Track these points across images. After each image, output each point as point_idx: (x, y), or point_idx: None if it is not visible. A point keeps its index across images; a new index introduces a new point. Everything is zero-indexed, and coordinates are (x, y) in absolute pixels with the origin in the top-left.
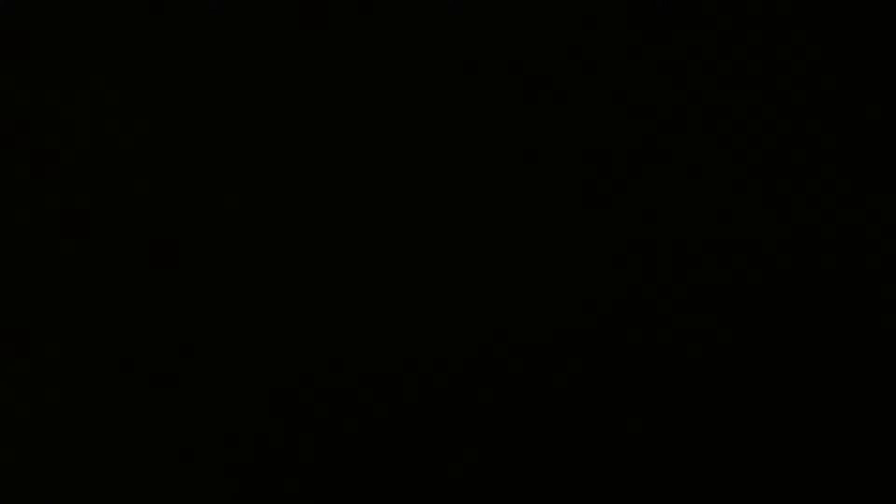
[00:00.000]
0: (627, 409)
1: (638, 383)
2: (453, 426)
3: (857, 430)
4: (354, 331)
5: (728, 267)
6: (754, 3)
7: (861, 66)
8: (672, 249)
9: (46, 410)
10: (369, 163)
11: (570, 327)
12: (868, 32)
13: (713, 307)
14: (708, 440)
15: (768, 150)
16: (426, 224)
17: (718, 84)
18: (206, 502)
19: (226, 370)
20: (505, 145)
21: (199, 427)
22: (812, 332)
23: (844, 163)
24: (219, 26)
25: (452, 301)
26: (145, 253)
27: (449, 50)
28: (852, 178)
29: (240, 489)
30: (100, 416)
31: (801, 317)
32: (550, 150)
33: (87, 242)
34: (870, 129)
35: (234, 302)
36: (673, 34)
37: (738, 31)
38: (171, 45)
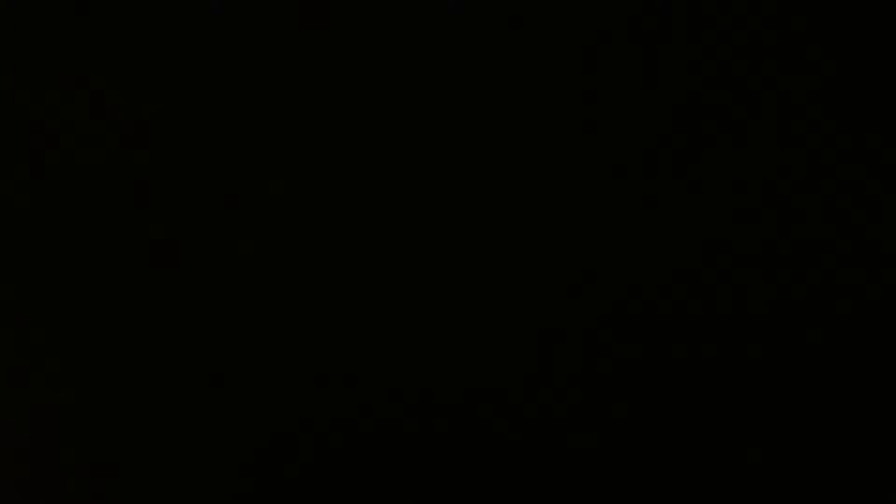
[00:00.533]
0: (632, 410)
1: (641, 385)
2: (456, 434)
3: (857, 431)
4: (360, 335)
5: (729, 267)
6: (754, 3)
7: (864, 64)
8: (673, 250)
9: (49, 413)
10: (367, 165)
11: (572, 329)
12: (871, 30)
13: (715, 308)
14: (712, 443)
15: (770, 150)
16: (423, 224)
17: (718, 84)
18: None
19: (226, 374)
20: (505, 145)
21: (205, 431)
22: (813, 332)
23: (846, 162)
24: (219, 26)
25: (455, 305)
26: (146, 253)
27: (449, 50)
28: (857, 177)
29: (241, 493)
30: (102, 418)
31: (803, 318)
32: (551, 150)
33: (87, 243)
34: (877, 128)
35: (233, 303)
36: (673, 34)
37: (738, 30)
38: (171, 45)
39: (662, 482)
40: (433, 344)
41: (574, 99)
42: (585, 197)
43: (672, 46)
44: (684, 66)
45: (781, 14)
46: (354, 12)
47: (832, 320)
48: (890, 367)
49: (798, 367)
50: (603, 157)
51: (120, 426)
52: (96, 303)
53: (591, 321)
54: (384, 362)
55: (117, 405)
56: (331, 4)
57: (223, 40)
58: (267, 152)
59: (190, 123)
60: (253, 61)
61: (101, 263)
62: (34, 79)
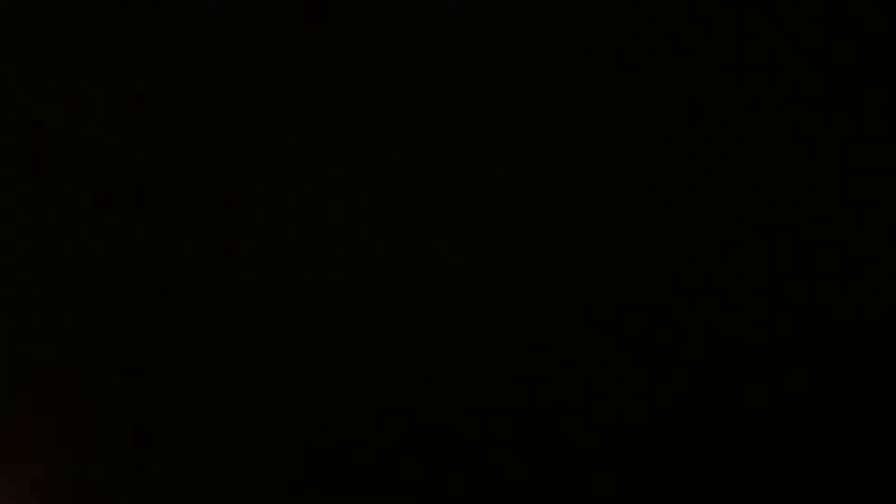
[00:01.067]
0: (643, 408)
1: (640, 385)
2: (461, 443)
3: (857, 431)
4: (359, 335)
5: (729, 267)
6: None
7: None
8: (676, 249)
9: (48, 409)
10: (365, 165)
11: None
12: (871, 29)
13: (717, 307)
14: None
15: (769, 151)
16: (425, 223)
17: (717, 85)
18: None
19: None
20: (503, 145)
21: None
22: (813, 332)
23: (848, 161)
24: (219, 26)
25: (454, 305)
26: (146, 252)
27: (449, 50)
28: (855, 176)
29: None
30: (99, 416)
31: (803, 317)
32: (550, 149)
33: (86, 242)
34: (875, 127)
35: (233, 303)
36: (671, 34)
37: (737, 29)
38: (171, 44)
39: (661, 484)
40: (433, 346)
41: (573, 99)
42: (584, 197)
43: (672, 46)
44: (684, 67)
45: (782, 15)
46: (354, 12)
47: (832, 320)
48: (890, 367)
49: (797, 367)
50: (602, 157)
51: (115, 425)
52: (97, 302)
53: (588, 321)
54: (383, 364)
55: (117, 404)
56: (331, 4)
57: (223, 40)
58: (268, 152)
59: (190, 121)
60: (252, 61)
61: (100, 263)
62: (35, 79)
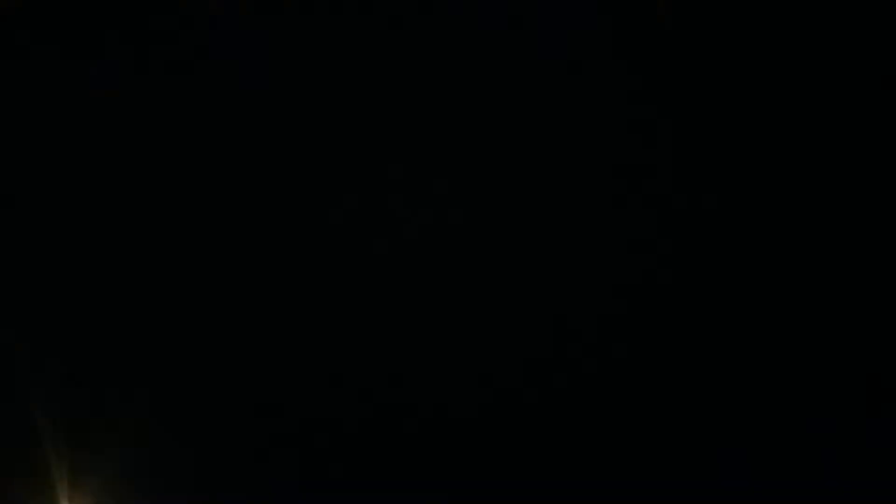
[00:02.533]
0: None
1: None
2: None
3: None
4: (361, 335)
5: (731, 266)
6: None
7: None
8: (675, 249)
9: (48, 408)
10: (366, 165)
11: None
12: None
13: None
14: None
15: (772, 150)
16: (423, 226)
17: (716, 85)
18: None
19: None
20: (503, 145)
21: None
22: (819, 332)
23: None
24: (219, 26)
25: (453, 306)
26: (147, 252)
27: (449, 50)
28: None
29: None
30: (101, 416)
31: (802, 316)
32: (549, 149)
33: (86, 242)
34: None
35: (230, 303)
36: (672, 41)
37: (736, 33)
38: (171, 45)
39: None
40: (433, 345)
41: (573, 99)
42: (584, 197)
43: (672, 48)
44: (685, 68)
45: (781, 15)
46: (354, 12)
47: (832, 320)
48: (890, 367)
49: (798, 367)
50: (602, 157)
51: (115, 425)
52: (97, 302)
53: (588, 321)
54: (383, 363)
55: (117, 404)
56: (331, 5)
57: (223, 41)
58: (268, 152)
59: (190, 123)
60: (253, 61)
61: (100, 263)
62: (36, 76)
